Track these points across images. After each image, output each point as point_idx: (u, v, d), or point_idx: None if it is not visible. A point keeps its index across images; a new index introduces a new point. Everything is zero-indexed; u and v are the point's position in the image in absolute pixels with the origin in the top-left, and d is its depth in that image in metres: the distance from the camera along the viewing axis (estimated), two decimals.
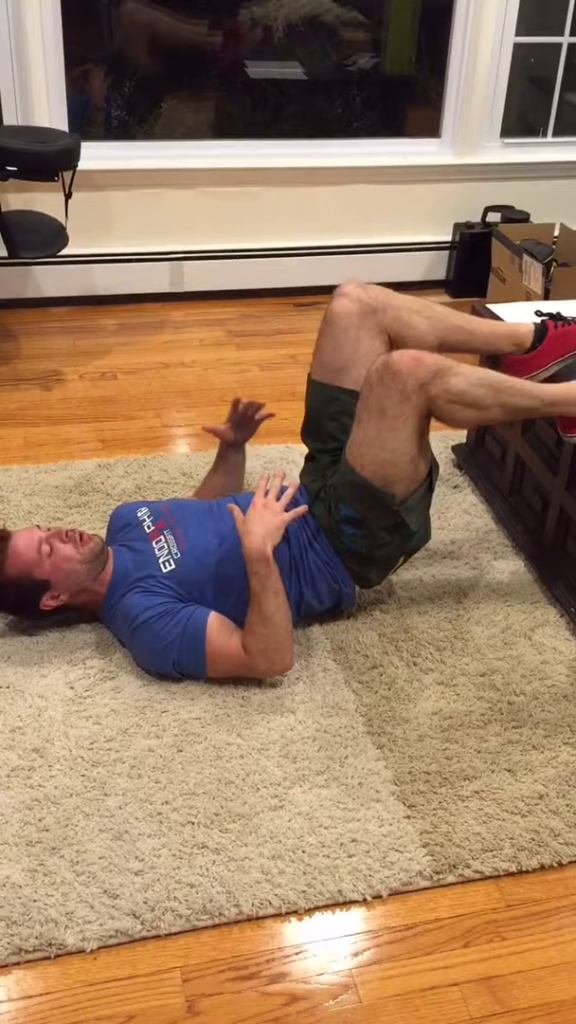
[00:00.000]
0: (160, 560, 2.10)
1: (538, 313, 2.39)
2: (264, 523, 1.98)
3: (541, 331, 2.24)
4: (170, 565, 2.09)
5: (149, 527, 2.18)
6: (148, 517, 2.21)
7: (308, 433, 2.29)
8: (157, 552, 2.12)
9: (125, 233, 3.66)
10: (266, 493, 2.04)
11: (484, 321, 2.32)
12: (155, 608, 2.02)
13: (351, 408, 2.10)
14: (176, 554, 2.10)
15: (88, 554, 2.07)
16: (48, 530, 2.10)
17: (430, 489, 2.15)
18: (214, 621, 2.01)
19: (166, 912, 1.62)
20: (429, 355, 1.99)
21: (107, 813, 1.77)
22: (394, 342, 2.19)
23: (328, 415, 2.21)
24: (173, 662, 2.03)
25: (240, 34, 3.82)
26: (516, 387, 2.05)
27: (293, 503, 2.11)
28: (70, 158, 3.06)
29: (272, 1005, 1.53)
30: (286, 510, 2.04)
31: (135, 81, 3.74)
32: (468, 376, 1.99)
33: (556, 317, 2.28)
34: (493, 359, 2.35)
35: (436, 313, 2.22)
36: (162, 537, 2.15)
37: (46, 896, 1.63)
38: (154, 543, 2.14)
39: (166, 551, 2.12)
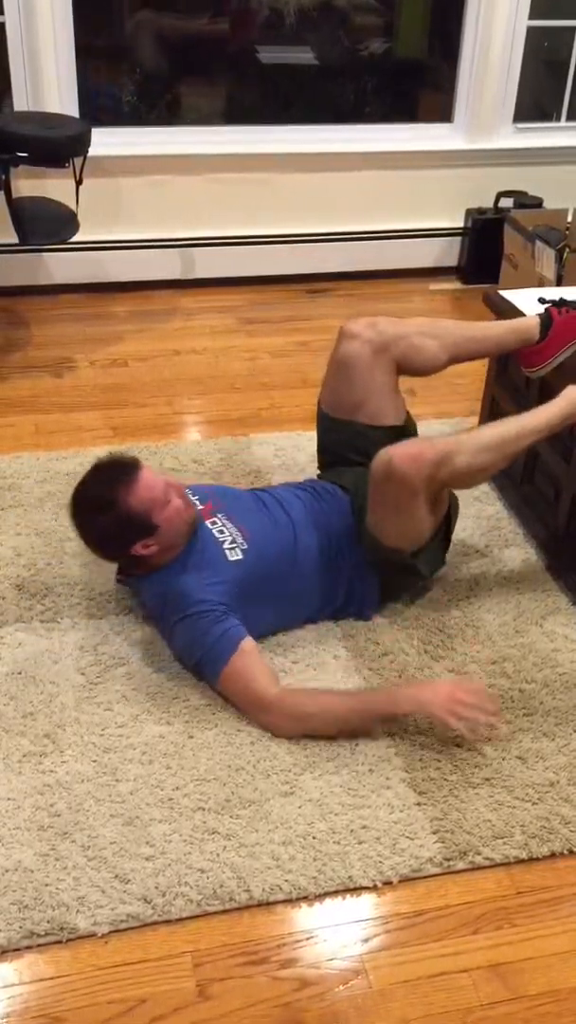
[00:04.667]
0: (224, 545, 2.03)
1: (541, 300, 2.39)
2: (440, 706, 1.86)
3: (546, 321, 2.24)
4: (237, 555, 2.02)
5: (198, 506, 2.09)
6: (194, 496, 2.12)
7: (332, 466, 2.31)
8: (217, 535, 2.04)
9: (136, 220, 3.65)
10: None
11: (490, 325, 2.34)
12: (209, 606, 1.95)
13: (373, 438, 2.17)
14: (243, 544, 2.04)
15: (190, 518, 2.03)
16: (168, 479, 2.04)
17: (447, 534, 2.24)
18: (246, 646, 1.94)
19: (177, 897, 1.63)
20: (428, 447, 1.97)
21: (118, 799, 1.78)
22: (404, 367, 2.24)
23: (354, 448, 2.24)
24: (195, 663, 2.00)
25: (249, 21, 3.80)
26: (518, 432, 2.08)
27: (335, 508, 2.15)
28: (80, 144, 3.05)
29: (283, 990, 1.53)
30: None
31: (146, 68, 3.73)
32: (470, 449, 2.01)
33: (560, 303, 2.28)
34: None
35: (443, 330, 2.26)
36: (217, 520, 2.08)
37: (58, 880, 1.64)
38: (209, 524, 2.06)
39: (229, 538, 2.04)
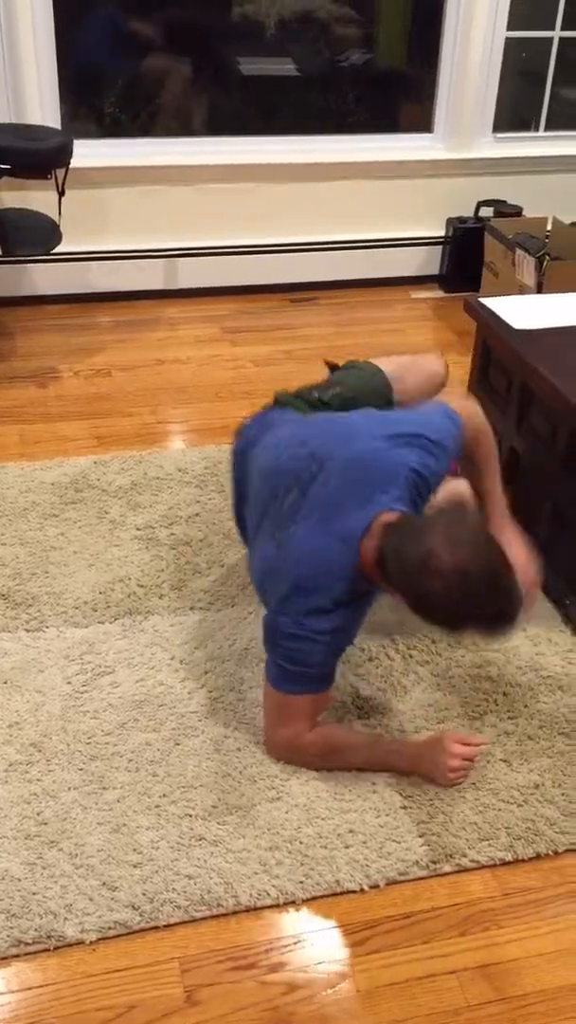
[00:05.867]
0: None
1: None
2: (437, 772, 1.84)
3: None
4: None
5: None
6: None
7: None
8: None
9: (119, 230, 3.67)
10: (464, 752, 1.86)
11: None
12: (347, 643, 1.83)
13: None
14: None
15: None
16: None
17: None
18: (326, 693, 1.86)
19: (165, 903, 1.63)
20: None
21: (105, 806, 1.78)
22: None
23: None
24: (285, 670, 1.80)
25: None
26: None
27: None
28: (63, 155, 3.07)
29: (271, 994, 1.54)
30: None
31: (128, 78, 3.75)
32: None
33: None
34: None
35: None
36: None
37: (45, 889, 1.64)
38: None
39: None
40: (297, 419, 2.04)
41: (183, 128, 3.87)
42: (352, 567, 1.71)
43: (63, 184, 3.13)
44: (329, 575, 1.73)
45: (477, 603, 1.60)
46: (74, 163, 3.11)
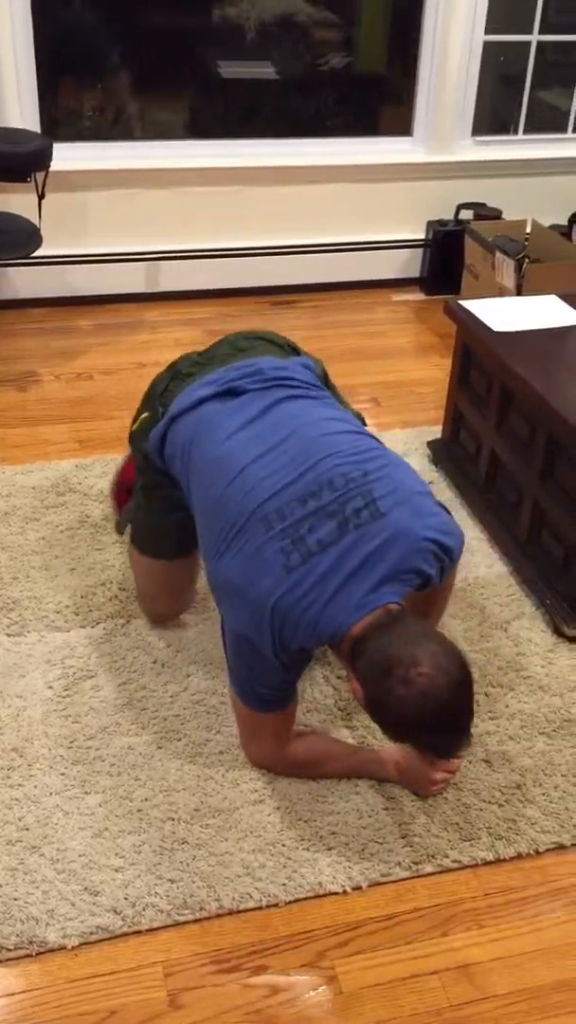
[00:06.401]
0: None
1: None
2: (418, 784, 1.84)
3: None
4: None
5: None
6: None
7: None
8: None
9: (100, 233, 3.66)
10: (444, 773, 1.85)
11: None
12: (300, 667, 1.76)
13: None
14: None
15: None
16: None
17: None
18: (294, 706, 1.82)
19: (147, 908, 1.63)
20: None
21: (87, 811, 1.78)
22: None
23: None
24: (239, 678, 1.76)
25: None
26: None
27: None
28: (42, 158, 3.06)
29: (254, 997, 1.54)
30: None
31: (108, 81, 3.74)
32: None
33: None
34: None
35: None
36: None
37: (27, 894, 1.63)
38: None
39: None
40: (342, 413, 1.86)
41: (163, 131, 3.87)
42: (343, 634, 1.60)
43: (43, 187, 3.12)
44: (323, 630, 1.61)
45: (430, 728, 1.56)
46: (54, 166, 3.11)
